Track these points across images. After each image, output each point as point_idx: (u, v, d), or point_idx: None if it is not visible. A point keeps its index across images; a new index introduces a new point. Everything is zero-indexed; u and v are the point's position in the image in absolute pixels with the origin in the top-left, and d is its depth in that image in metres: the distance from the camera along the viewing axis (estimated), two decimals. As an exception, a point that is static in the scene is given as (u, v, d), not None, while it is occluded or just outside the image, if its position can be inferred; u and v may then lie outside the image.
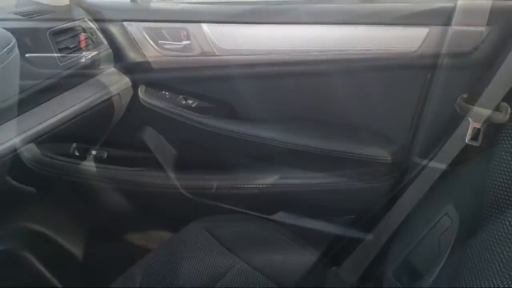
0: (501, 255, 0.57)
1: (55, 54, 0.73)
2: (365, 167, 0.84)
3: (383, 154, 0.84)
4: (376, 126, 0.85)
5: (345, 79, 0.80)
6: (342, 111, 0.83)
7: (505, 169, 0.61)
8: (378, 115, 0.83)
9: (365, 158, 0.85)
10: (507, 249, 0.57)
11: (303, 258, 0.91)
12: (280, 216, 0.87)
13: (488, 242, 0.61)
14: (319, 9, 0.79)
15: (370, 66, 0.79)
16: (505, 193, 0.60)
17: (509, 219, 0.58)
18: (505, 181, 0.60)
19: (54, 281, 0.86)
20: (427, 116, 0.80)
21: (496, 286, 0.55)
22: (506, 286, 0.53)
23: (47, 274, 0.86)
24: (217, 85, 0.91)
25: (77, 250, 0.91)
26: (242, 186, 0.81)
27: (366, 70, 0.79)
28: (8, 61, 0.52)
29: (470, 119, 0.72)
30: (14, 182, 0.83)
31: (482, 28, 0.76)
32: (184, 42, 0.89)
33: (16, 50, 0.56)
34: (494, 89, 0.72)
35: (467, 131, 0.72)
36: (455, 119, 0.76)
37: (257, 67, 0.85)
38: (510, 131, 0.61)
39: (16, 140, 0.65)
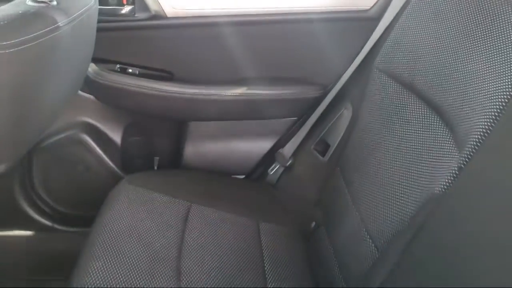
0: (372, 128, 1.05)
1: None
2: (304, 85, 1.31)
3: (316, 78, 1.31)
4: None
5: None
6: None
7: (376, 80, 1.07)
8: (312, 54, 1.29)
9: (304, 80, 1.32)
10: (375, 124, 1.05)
11: (260, 146, 1.40)
12: (245, 116, 1.35)
13: (365, 122, 1.08)
14: None
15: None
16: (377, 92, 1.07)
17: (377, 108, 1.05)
18: (375, 86, 1.07)
19: (104, 157, 1.34)
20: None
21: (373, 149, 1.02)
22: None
23: (99, 151, 1.33)
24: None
25: (117, 139, 1.38)
26: (220, 94, 1.28)
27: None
28: (95, 6, 0.94)
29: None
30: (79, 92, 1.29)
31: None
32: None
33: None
34: (375, 33, 1.18)
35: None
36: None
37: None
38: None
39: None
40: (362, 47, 1.21)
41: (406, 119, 0.92)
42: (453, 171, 0.72)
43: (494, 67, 0.73)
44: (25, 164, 1.31)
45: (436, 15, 0.91)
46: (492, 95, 0.71)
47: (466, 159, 0.70)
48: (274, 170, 1.34)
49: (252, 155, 1.39)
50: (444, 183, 0.74)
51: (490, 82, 0.72)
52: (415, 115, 0.90)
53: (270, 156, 1.38)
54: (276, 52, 1.27)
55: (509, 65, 0.70)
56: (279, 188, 1.34)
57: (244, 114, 1.33)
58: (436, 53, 0.87)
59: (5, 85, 0.71)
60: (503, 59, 0.72)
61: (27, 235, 1.38)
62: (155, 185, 1.17)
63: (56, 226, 1.38)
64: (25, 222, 1.35)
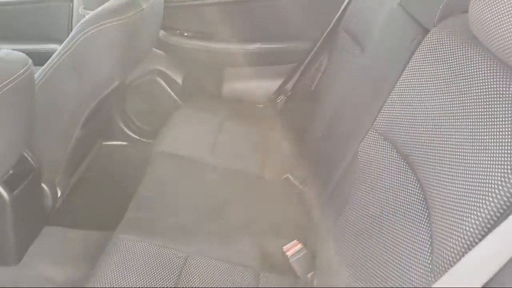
0: (334, 66, 1.65)
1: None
2: (299, 40, 1.92)
3: (308, 35, 1.90)
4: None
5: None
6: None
7: (340, 35, 1.66)
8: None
9: (300, 36, 1.92)
10: (334, 65, 1.65)
11: (273, 84, 2.03)
12: (262, 63, 1.99)
13: (332, 64, 1.68)
14: None
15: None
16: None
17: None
18: (339, 40, 1.66)
19: (171, 92, 2.02)
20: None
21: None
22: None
23: (167, 88, 2.02)
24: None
25: (179, 80, 2.07)
26: (244, 47, 1.92)
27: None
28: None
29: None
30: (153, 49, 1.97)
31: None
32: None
33: None
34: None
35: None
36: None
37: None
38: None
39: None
40: (338, 11, 1.78)
41: (349, 61, 1.51)
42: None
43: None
44: (121, 97, 2.03)
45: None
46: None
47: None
48: (280, 99, 1.97)
49: (268, 90, 2.03)
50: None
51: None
52: (354, 58, 1.49)
53: (279, 90, 2.00)
54: (282, 18, 1.88)
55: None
56: (283, 111, 1.97)
57: (261, 61, 1.98)
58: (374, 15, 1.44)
59: (117, 39, 1.37)
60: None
61: (122, 144, 2.11)
62: (201, 109, 1.84)
63: (141, 139, 2.10)
64: (120, 135, 2.09)
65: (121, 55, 1.43)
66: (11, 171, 1.29)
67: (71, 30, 1.90)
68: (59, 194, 1.54)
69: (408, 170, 0.86)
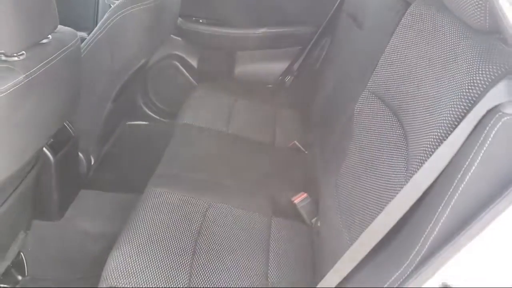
0: (334, 46, 1.84)
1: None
2: (304, 25, 2.10)
3: (312, 20, 2.09)
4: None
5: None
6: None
7: (342, 19, 1.85)
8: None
9: (304, 22, 2.10)
10: (336, 44, 1.83)
11: (281, 66, 2.22)
12: (270, 46, 2.18)
13: (333, 46, 1.86)
14: None
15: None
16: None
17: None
18: (341, 23, 1.85)
19: (187, 75, 2.22)
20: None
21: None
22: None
23: (184, 71, 2.22)
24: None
25: (194, 64, 2.26)
26: (253, 32, 2.11)
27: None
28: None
29: None
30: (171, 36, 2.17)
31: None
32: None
33: None
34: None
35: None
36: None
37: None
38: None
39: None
40: (339, -3, 1.97)
41: (350, 40, 1.70)
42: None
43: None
44: (143, 79, 2.22)
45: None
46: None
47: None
48: (288, 79, 2.16)
49: (276, 71, 2.22)
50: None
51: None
52: (353, 36, 1.66)
53: (287, 71, 2.19)
54: (288, 4, 2.07)
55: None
56: (290, 89, 2.16)
57: (269, 45, 2.18)
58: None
59: (144, 21, 1.57)
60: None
61: (144, 124, 2.31)
62: (215, 88, 2.04)
63: (161, 118, 2.30)
64: (142, 115, 2.29)
65: (147, 36, 1.63)
66: (52, 139, 1.49)
67: (97, 19, 2.13)
68: (92, 162, 1.74)
69: (393, 118, 1.05)
